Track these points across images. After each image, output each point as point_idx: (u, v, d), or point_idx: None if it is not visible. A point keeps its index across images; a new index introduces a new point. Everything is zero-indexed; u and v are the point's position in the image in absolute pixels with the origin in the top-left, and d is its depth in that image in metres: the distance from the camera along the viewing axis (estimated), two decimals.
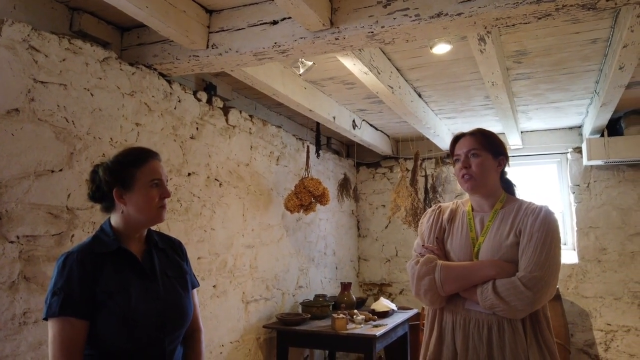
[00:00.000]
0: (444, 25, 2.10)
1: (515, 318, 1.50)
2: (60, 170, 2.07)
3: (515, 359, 1.47)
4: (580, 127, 4.76)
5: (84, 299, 1.31)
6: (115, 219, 1.45)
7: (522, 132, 4.91)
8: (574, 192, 4.74)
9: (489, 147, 1.68)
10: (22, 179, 1.91)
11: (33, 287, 1.92)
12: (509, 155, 5.26)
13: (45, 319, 1.31)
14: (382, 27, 2.14)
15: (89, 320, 1.32)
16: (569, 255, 4.78)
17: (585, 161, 4.48)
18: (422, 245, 1.69)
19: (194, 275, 1.64)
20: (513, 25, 2.08)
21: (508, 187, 1.76)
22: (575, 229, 4.71)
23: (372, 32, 2.17)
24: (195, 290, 1.62)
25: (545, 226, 1.52)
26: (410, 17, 2.09)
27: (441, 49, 2.57)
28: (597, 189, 4.64)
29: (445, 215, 1.74)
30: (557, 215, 4.85)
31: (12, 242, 1.85)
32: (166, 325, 1.41)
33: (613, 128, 4.36)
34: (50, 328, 1.29)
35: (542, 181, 5.14)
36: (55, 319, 1.29)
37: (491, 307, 1.49)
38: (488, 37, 2.40)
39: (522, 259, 1.50)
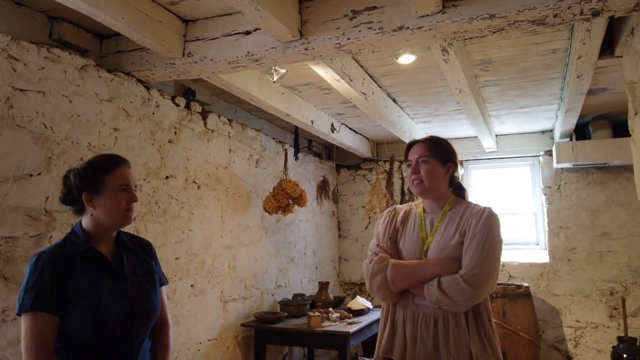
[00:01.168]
0: (406, 38, 2.22)
1: (458, 311, 1.63)
2: (39, 174, 2.16)
3: (458, 349, 1.60)
4: (551, 130, 4.92)
5: (54, 296, 1.41)
6: (85, 222, 1.55)
7: (496, 135, 5.07)
8: (545, 194, 4.91)
9: (438, 155, 1.81)
10: (1, 182, 2.00)
11: (12, 287, 2.00)
12: (484, 158, 5.35)
13: (19, 314, 1.41)
14: (349, 38, 2.26)
15: (59, 316, 1.41)
16: (540, 255, 4.95)
17: (555, 164, 4.65)
18: (377, 245, 1.82)
19: (163, 274, 1.74)
20: (470, 38, 2.21)
21: (459, 191, 1.88)
22: (547, 229, 4.88)
23: (339, 43, 2.29)
24: (163, 288, 1.72)
25: (486, 227, 1.65)
26: (375, 29, 2.21)
27: (406, 59, 2.70)
28: (567, 191, 4.82)
29: (399, 217, 1.87)
30: (530, 216, 5.00)
31: None
32: (134, 321, 1.52)
33: (582, 132, 4.53)
34: (23, 322, 1.40)
35: (516, 183, 5.31)
36: (28, 314, 1.39)
37: (436, 302, 1.63)
38: (450, 48, 2.53)
39: (465, 257, 1.64)
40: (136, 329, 1.53)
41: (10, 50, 2.08)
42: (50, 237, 2.18)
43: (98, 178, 1.51)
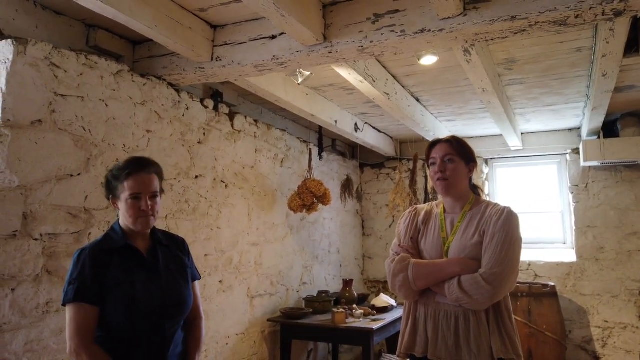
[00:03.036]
0: (427, 40, 2.27)
1: (478, 310, 1.67)
2: (79, 174, 2.29)
3: (478, 346, 1.65)
4: (579, 128, 4.86)
5: (95, 288, 1.53)
6: (121, 220, 1.67)
7: (522, 133, 5.03)
8: (572, 192, 4.85)
9: (462, 154, 1.85)
10: (44, 182, 2.13)
11: (55, 280, 2.14)
12: (510, 156, 5.34)
13: (64, 304, 1.54)
14: (371, 41, 2.31)
15: (99, 306, 1.53)
16: (567, 254, 4.90)
17: (582, 162, 4.60)
18: (398, 245, 1.88)
19: (196, 269, 1.84)
20: (492, 39, 2.24)
21: (474, 190, 1.92)
22: (574, 228, 4.82)
23: (362, 46, 2.34)
24: (196, 282, 1.82)
25: (506, 227, 1.69)
26: (397, 32, 2.26)
27: (428, 60, 2.74)
28: (595, 189, 4.75)
29: (421, 217, 1.91)
30: (557, 215, 4.96)
31: (36, 239, 2.08)
32: (167, 313, 1.62)
33: (610, 130, 4.47)
34: (67, 312, 1.52)
35: (542, 181, 5.26)
36: (71, 305, 1.51)
37: (457, 300, 1.67)
38: (472, 49, 2.56)
39: (485, 256, 1.68)
40: (169, 321, 1.63)
41: (52, 58, 2.21)
42: (90, 233, 2.31)
43: (115, 185, 1.64)
